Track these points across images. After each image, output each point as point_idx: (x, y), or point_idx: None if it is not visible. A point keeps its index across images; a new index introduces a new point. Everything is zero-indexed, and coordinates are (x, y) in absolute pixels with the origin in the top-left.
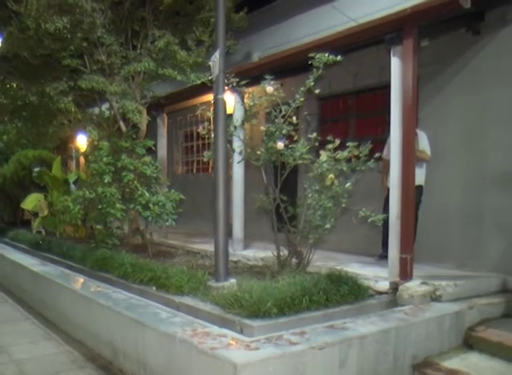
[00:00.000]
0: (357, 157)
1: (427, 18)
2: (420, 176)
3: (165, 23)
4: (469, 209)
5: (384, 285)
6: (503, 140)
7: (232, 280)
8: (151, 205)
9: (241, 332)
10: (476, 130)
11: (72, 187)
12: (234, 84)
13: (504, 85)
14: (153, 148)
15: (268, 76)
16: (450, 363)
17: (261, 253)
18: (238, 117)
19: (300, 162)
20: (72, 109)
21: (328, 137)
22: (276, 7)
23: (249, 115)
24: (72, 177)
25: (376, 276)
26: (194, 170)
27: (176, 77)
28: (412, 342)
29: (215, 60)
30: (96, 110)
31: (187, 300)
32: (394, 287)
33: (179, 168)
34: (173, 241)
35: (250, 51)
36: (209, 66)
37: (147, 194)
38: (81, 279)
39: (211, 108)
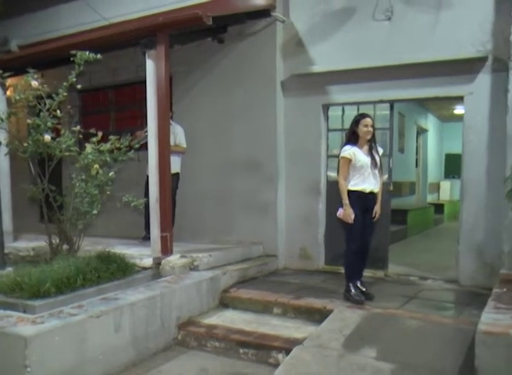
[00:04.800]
0: (119, 148)
1: (177, 28)
2: (176, 164)
3: None
4: (221, 192)
5: (148, 261)
6: (243, 133)
7: (9, 269)
8: None
9: (25, 312)
10: (223, 125)
11: None
12: None
13: (242, 87)
14: None
15: (31, 70)
16: (209, 320)
17: (32, 243)
18: (1, 109)
19: (67, 154)
20: None
21: (91, 130)
22: None
23: (15, 108)
24: None
25: (141, 254)
26: None
27: None
28: (176, 305)
29: None
30: None
31: None
32: (157, 262)
33: None
34: None
35: (8, 37)
36: None
37: None
38: None
39: None
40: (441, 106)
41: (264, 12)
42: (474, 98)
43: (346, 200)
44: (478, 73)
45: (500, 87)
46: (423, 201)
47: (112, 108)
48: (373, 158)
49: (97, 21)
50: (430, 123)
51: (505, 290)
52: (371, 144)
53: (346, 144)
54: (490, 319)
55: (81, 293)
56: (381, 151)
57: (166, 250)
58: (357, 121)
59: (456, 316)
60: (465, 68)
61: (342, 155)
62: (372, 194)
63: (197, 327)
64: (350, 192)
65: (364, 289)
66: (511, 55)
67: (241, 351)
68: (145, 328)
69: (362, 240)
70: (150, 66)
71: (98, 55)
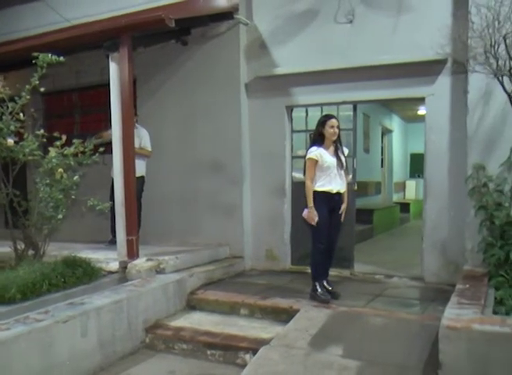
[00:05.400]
0: (83, 152)
1: (140, 30)
2: (141, 167)
3: None
4: (186, 194)
5: (115, 265)
6: (208, 134)
7: None
8: None
9: None
10: (188, 127)
11: None
12: None
13: (207, 89)
14: None
15: None
16: (177, 322)
17: None
18: None
19: (30, 158)
20: None
21: (55, 134)
22: None
23: None
24: None
25: (107, 258)
26: None
27: None
28: (142, 309)
29: None
30: None
31: None
32: (124, 266)
33: None
34: None
35: None
36: None
37: None
38: None
39: None
40: (405, 107)
41: (227, 15)
42: (435, 99)
43: (311, 203)
44: (439, 75)
45: (460, 88)
46: (389, 200)
47: (77, 112)
48: (339, 159)
49: (61, 22)
50: (395, 123)
51: (468, 286)
52: (337, 144)
53: (312, 145)
54: (453, 314)
55: (47, 298)
56: (346, 151)
57: (132, 253)
58: (322, 122)
59: (421, 312)
60: (426, 70)
61: (308, 156)
62: (339, 195)
63: (164, 330)
64: (316, 193)
65: (330, 288)
66: (469, 58)
67: (209, 352)
68: (112, 332)
69: (328, 239)
70: (113, 68)
71: (61, 58)
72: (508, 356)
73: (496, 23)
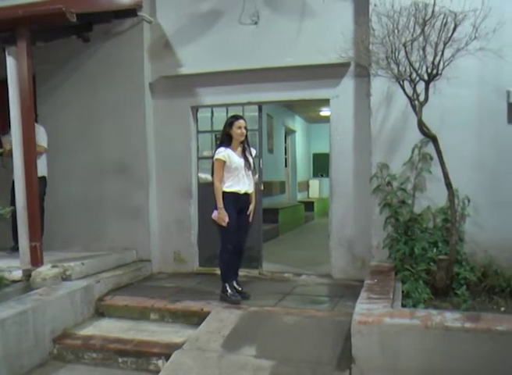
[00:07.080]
0: None
1: (39, 23)
2: (41, 167)
3: None
4: (91, 197)
5: (18, 274)
6: (112, 135)
7: None
8: None
9: None
10: (91, 127)
11: None
12: None
13: (110, 88)
14: None
15: None
16: (85, 331)
17: None
18: None
19: None
20: None
21: None
22: None
23: None
24: None
25: (10, 266)
26: None
27: None
28: (49, 318)
29: None
30: None
31: None
32: (28, 274)
33: None
34: None
35: None
36: None
37: None
38: None
39: None
40: (308, 108)
41: (130, 12)
42: (340, 100)
43: (220, 203)
44: (342, 77)
45: (363, 91)
46: (293, 199)
47: None
48: (247, 160)
49: None
50: (297, 124)
51: (376, 281)
52: (244, 145)
53: (219, 146)
54: (364, 309)
55: None
56: (254, 152)
57: (36, 261)
58: (230, 123)
59: (330, 308)
60: (330, 73)
61: (216, 157)
62: (247, 195)
63: (72, 339)
64: (224, 193)
65: (240, 289)
66: (371, 63)
67: (120, 360)
68: (18, 345)
69: (237, 240)
70: (11, 63)
71: None
72: (418, 347)
73: (396, 31)
